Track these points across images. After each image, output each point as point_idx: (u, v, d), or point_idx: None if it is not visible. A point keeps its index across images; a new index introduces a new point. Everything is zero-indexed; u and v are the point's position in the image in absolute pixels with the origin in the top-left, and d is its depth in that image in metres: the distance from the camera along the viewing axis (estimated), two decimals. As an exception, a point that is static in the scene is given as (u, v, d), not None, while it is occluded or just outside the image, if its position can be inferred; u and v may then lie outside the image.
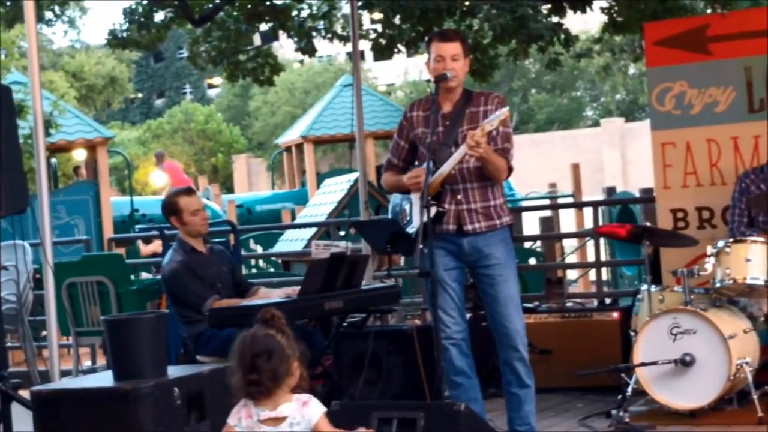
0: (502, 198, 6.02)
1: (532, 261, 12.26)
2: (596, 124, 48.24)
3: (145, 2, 12.22)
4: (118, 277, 8.93)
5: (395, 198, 6.51)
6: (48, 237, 6.28)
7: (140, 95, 58.44)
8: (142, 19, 12.16)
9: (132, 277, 9.54)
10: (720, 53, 7.80)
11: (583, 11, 11.60)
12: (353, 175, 12.26)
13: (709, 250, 6.93)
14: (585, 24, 19.01)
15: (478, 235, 5.90)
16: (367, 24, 13.12)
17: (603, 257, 11.06)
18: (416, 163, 6.12)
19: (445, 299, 5.88)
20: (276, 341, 4.29)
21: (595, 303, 8.88)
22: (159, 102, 58.67)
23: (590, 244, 12.27)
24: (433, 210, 5.72)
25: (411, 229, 5.95)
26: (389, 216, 6.29)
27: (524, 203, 18.12)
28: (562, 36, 11.75)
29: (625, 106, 51.13)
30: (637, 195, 13.47)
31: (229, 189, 37.16)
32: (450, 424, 5.00)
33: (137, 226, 13.45)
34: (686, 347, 6.68)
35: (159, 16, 12.32)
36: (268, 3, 12.01)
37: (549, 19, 11.71)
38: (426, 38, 6.29)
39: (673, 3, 11.22)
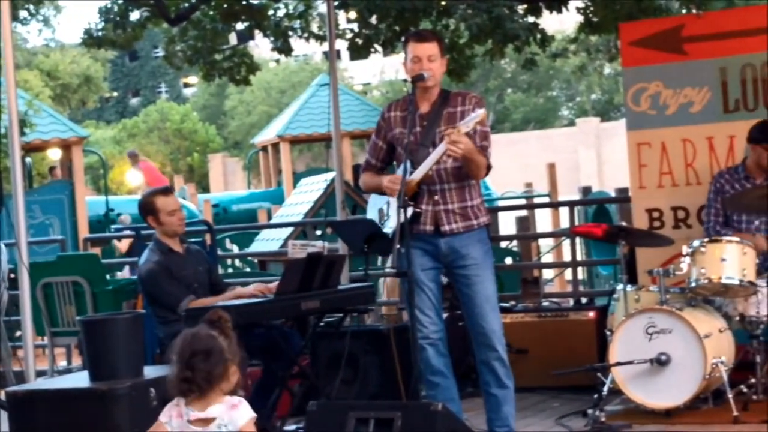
0: (480, 198, 6.02)
1: (509, 260, 12.28)
2: (572, 123, 48.32)
3: (120, 1, 12.15)
4: (93, 277, 8.89)
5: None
6: (23, 237, 6.26)
7: (115, 94, 58.12)
8: (118, 18, 12.10)
9: (108, 276, 9.50)
10: (695, 54, 7.82)
11: (559, 11, 11.64)
12: (330, 175, 12.25)
13: (685, 249, 6.95)
14: (561, 24, 19.09)
15: (455, 235, 5.90)
16: (343, 24, 13.12)
17: (579, 257, 11.08)
18: (394, 163, 6.12)
19: (422, 299, 5.87)
20: (217, 343, 4.25)
21: (572, 302, 8.88)
22: (134, 101, 58.38)
23: (566, 244, 12.28)
24: (410, 210, 5.73)
25: (388, 230, 5.95)
26: (368, 215, 6.27)
27: (500, 203, 18.10)
28: (538, 36, 11.78)
29: (600, 106, 51.22)
30: (613, 195, 13.53)
31: (205, 188, 37.05)
32: (427, 424, 5.00)
33: (113, 226, 13.41)
34: (662, 346, 6.70)
35: (135, 15, 12.27)
36: (244, 2, 11.99)
37: (525, 19, 11.74)
38: (403, 38, 6.28)
39: (649, 3, 11.26)
